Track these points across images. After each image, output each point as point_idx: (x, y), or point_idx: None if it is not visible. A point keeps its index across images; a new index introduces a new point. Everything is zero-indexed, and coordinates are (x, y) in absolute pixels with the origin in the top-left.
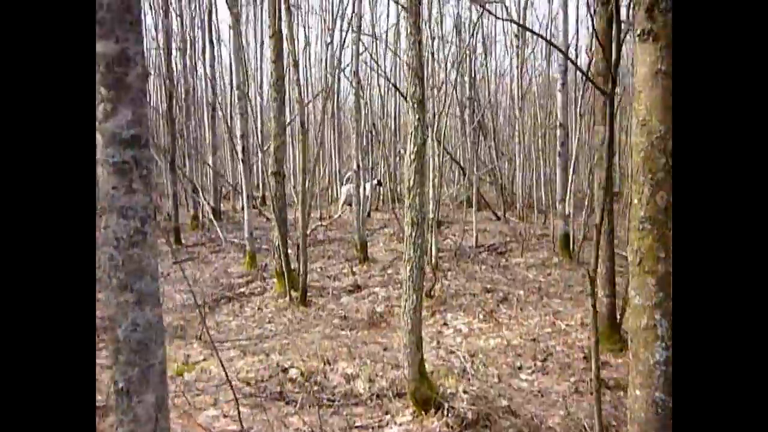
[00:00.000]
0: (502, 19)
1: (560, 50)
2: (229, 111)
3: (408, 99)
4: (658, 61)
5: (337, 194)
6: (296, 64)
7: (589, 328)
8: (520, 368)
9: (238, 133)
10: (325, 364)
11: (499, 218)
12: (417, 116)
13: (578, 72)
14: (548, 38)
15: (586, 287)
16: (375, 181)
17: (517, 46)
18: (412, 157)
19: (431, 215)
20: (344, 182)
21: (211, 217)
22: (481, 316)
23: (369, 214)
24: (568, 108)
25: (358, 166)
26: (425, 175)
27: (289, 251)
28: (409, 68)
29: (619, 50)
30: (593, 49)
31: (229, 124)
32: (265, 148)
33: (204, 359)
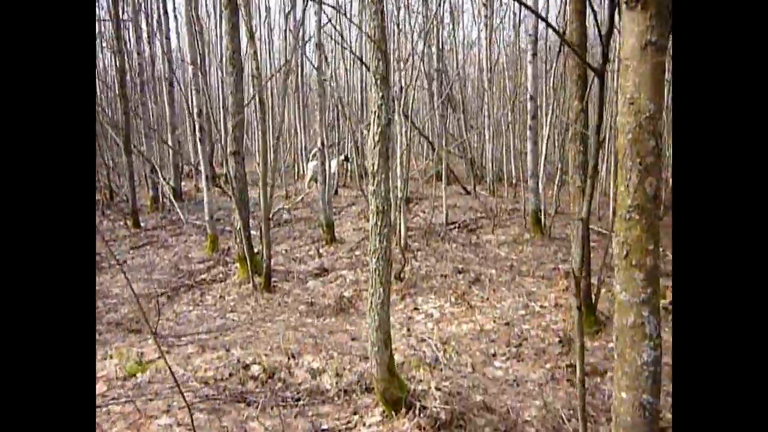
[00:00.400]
0: None
1: (538, 15)
2: (190, 87)
3: (371, 75)
4: (648, 32)
5: (303, 171)
6: (252, 36)
7: (563, 309)
8: (494, 355)
9: (195, 111)
10: (289, 358)
11: (469, 193)
12: (381, 93)
13: (547, 43)
14: (518, 10)
15: (559, 264)
16: (342, 157)
17: (485, 16)
18: (376, 138)
19: (399, 194)
20: (310, 158)
21: (172, 198)
22: (453, 299)
23: (336, 192)
24: (538, 80)
25: (323, 142)
26: (390, 158)
27: (254, 233)
28: (371, 41)
29: (612, 20)
30: (566, 18)
31: (188, 100)
32: (225, 126)
33: (159, 357)
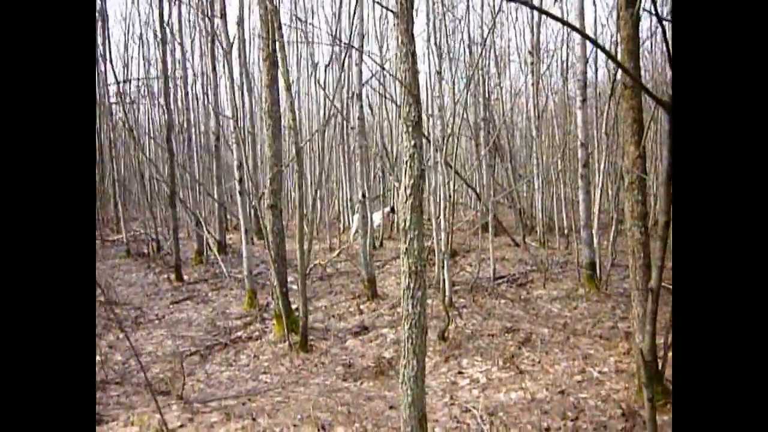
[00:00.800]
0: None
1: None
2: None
3: (402, 121)
4: None
5: (348, 223)
6: (289, 88)
7: (625, 375)
8: (547, 430)
9: (235, 164)
10: (318, 430)
11: (518, 245)
12: (413, 142)
13: (596, 89)
14: (565, 57)
15: (617, 321)
16: (387, 209)
17: (532, 63)
18: (408, 191)
19: (442, 248)
20: (355, 210)
21: (215, 251)
22: (500, 362)
23: (381, 244)
24: (588, 126)
25: (364, 194)
26: (424, 212)
27: (295, 287)
28: (402, 85)
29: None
30: (621, 56)
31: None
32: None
33: (181, 425)
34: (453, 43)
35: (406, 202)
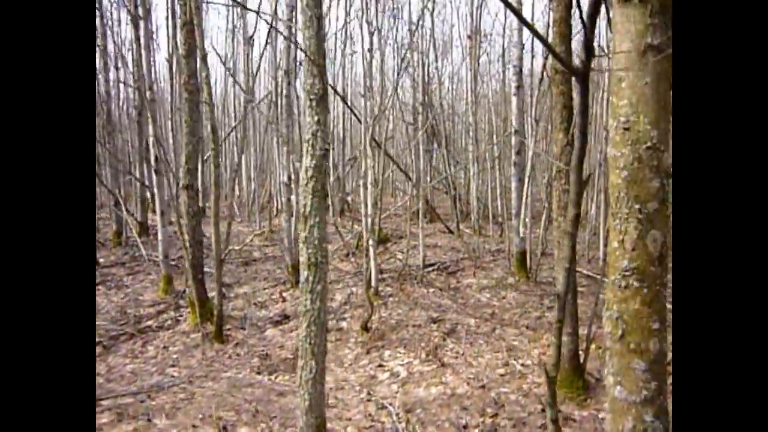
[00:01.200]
0: None
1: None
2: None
3: (305, 95)
4: (648, 33)
5: (282, 206)
6: (204, 59)
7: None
8: (465, 428)
9: (150, 140)
10: (220, 430)
11: (451, 232)
12: (317, 117)
13: (532, 76)
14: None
15: (545, 312)
16: None
17: (471, 48)
18: (309, 172)
19: (366, 234)
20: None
21: (135, 233)
22: (423, 355)
23: None
24: (524, 114)
25: (290, 177)
26: (325, 199)
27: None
28: (306, 54)
29: (597, 4)
30: (552, 39)
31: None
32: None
33: None
34: (390, 22)
35: (306, 184)
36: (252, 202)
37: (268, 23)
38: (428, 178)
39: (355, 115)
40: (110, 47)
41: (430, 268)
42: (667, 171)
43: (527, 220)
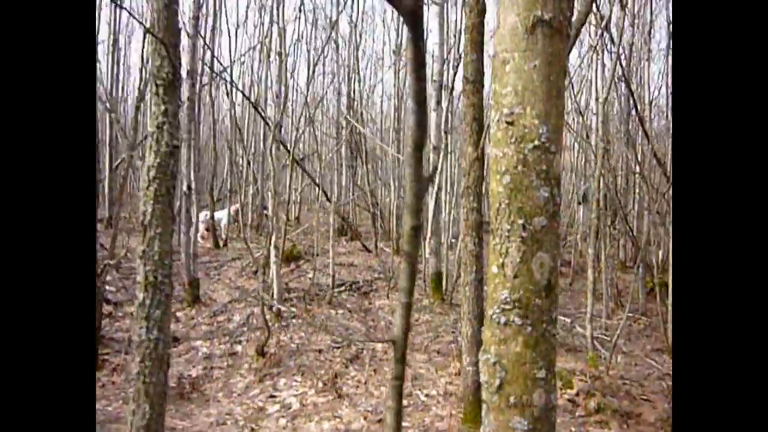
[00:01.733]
0: None
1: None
2: None
3: (151, 79)
4: (539, 4)
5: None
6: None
7: (452, 400)
8: None
9: None
10: None
11: (369, 251)
12: (164, 107)
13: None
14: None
15: (458, 336)
16: (236, 206)
17: (394, 62)
18: (152, 173)
19: (274, 251)
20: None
21: None
22: (320, 384)
23: (226, 244)
24: (442, 129)
25: (189, 186)
26: (171, 206)
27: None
28: (149, 31)
29: None
30: (464, 46)
31: None
32: None
33: None
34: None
35: (147, 188)
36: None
37: None
38: (350, 195)
39: (262, 117)
40: None
41: (341, 288)
42: (556, 178)
43: (446, 240)
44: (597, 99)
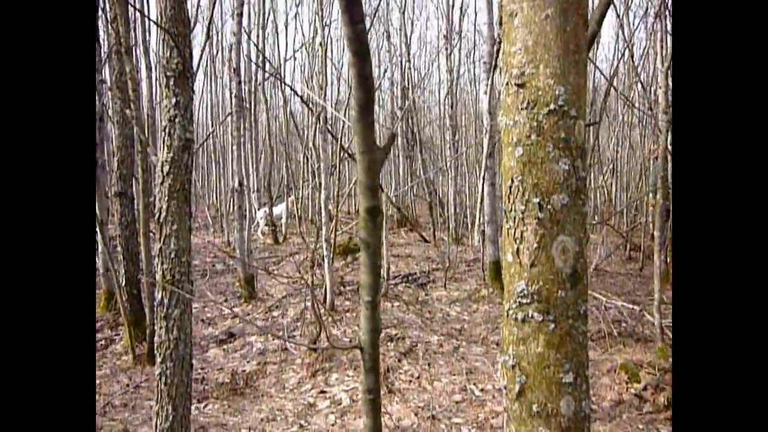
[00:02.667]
0: None
1: None
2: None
3: (161, 70)
4: None
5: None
6: (128, 52)
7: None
8: None
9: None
10: None
11: (427, 241)
12: (175, 100)
13: None
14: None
15: None
16: (292, 198)
17: (446, 48)
18: (165, 169)
19: (324, 245)
20: (260, 206)
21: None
22: None
23: (285, 239)
24: (496, 112)
25: (241, 183)
26: (188, 201)
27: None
28: (161, 25)
29: None
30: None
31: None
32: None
33: None
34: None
35: (162, 183)
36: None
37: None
38: (408, 184)
39: (311, 111)
40: None
41: (398, 280)
42: (579, 147)
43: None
44: (661, 69)
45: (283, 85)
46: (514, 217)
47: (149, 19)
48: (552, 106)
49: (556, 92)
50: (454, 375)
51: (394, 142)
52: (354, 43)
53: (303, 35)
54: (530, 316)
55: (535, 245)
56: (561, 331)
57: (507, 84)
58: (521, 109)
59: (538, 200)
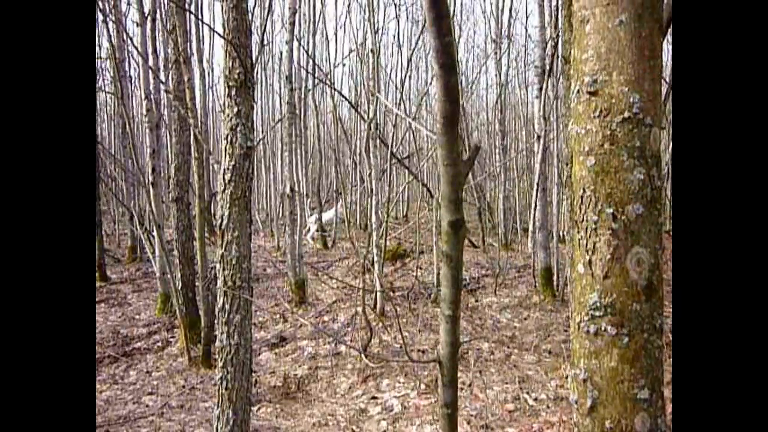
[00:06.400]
0: None
1: None
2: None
3: (223, 80)
4: None
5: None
6: (186, 62)
7: (565, 404)
8: None
9: (147, 151)
10: None
11: (476, 246)
12: (236, 109)
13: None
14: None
15: (569, 336)
16: (340, 204)
17: (495, 52)
18: (227, 177)
19: (375, 250)
20: (310, 211)
21: (147, 248)
22: (423, 386)
23: (334, 243)
24: (550, 117)
25: (292, 188)
26: (248, 208)
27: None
28: (223, 37)
29: None
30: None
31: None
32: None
33: None
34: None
35: (224, 191)
36: (267, 215)
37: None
38: None
39: (362, 117)
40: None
41: None
42: (655, 156)
43: (556, 232)
44: None
45: (333, 91)
46: (586, 228)
47: (213, 31)
48: (626, 114)
49: (631, 100)
50: (507, 383)
51: (478, 154)
52: (441, 56)
53: (354, 41)
54: (603, 329)
55: (609, 256)
56: (636, 345)
57: (578, 92)
58: (593, 117)
59: (611, 210)
